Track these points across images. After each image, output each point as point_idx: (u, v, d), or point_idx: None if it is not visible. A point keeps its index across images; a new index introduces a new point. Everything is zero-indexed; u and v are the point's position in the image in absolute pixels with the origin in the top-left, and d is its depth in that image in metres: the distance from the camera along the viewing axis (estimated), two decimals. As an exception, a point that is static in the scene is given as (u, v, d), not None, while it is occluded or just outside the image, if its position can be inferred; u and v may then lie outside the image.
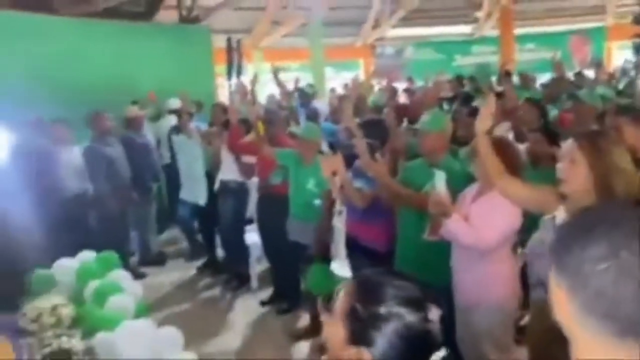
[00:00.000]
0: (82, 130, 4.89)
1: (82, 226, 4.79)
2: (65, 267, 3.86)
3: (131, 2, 8.23)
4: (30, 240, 3.93)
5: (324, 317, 1.07)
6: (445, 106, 5.56)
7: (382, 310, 0.99)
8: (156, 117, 6.35)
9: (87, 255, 4.00)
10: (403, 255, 2.87)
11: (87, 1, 7.37)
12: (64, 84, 5.61)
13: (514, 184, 2.11)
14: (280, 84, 6.31)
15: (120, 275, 3.82)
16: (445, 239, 2.48)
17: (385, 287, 1.01)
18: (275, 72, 5.99)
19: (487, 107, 2.15)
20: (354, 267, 3.31)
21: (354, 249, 3.25)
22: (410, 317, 0.99)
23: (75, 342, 2.71)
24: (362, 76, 12.20)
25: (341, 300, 1.03)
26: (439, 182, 2.36)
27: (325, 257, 3.66)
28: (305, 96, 6.81)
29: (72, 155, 4.78)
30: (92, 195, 4.84)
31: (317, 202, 3.55)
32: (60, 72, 5.70)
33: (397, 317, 0.99)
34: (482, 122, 2.13)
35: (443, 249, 2.56)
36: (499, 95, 4.34)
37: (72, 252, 3.98)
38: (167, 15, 9.26)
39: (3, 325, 2.89)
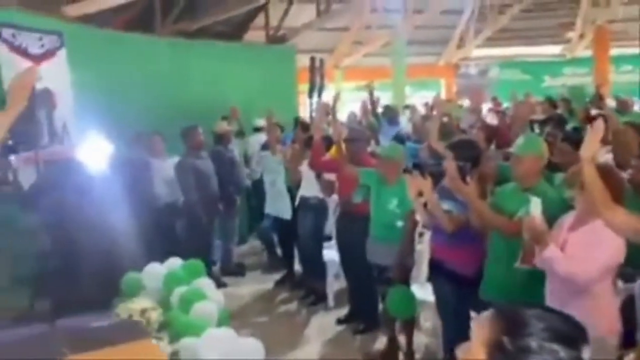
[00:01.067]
0: (175, 143, 5.17)
1: (171, 234, 5.03)
2: (154, 272, 4.04)
3: (222, 23, 8.67)
4: (125, 245, 4.17)
5: (461, 350, 1.04)
6: (536, 129, 5.34)
7: (533, 344, 0.95)
8: (239, 132, 6.58)
9: (175, 262, 4.18)
10: (491, 282, 2.76)
11: (183, 22, 7.85)
12: (160, 99, 5.98)
13: (621, 215, 1.97)
14: (372, 101, 6.33)
15: (205, 283, 3.95)
16: (538, 268, 2.36)
17: (535, 321, 0.97)
18: (370, 89, 6.03)
19: (594, 133, 2.03)
20: (437, 292, 3.23)
21: (437, 272, 3.17)
22: (563, 353, 0.95)
23: (163, 345, 2.83)
24: (443, 95, 12.03)
25: (483, 331, 1.00)
26: (535, 208, 2.26)
27: (406, 280, 3.59)
28: (392, 114, 6.78)
29: (166, 167, 5.06)
30: (182, 205, 5.09)
31: (399, 223, 3.50)
32: (157, 88, 6.09)
33: (549, 353, 0.94)
34: (589, 149, 2.02)
35: (534, 278, 2.43)
36: (595, 119, 4.10)
37: (160, 258, 4.19)
38: (255, 36, 9.65)
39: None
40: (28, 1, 5.28)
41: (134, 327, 1.90)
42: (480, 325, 1.01)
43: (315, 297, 4.84)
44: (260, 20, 9.58)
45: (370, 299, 4.07)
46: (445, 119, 5.01)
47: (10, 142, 2.26)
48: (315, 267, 4.83)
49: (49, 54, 5.03)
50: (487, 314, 1.02)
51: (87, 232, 4.26)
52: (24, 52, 4.62)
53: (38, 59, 4.82)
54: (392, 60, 12.27)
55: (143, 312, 3.31)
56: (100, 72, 5.50)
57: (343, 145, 4.03)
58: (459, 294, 2.99)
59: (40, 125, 3.53)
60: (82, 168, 4.34)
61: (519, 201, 2.53)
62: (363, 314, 4.20)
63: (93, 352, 1.54)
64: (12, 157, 2.39)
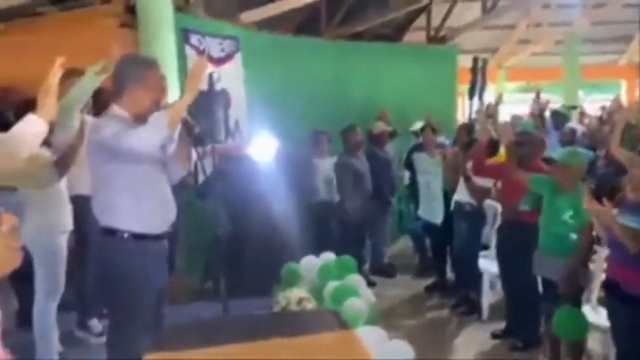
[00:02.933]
0: (336, 142, 5.37)
1: (325, 230, 5.22)
2: (310, 264, 4.23)
3: (384, 25, 8.74)
4: (285, 235, 4.42)
5: None
6: None
7: None
8: (392, 133, 6.56)
9: (328, 256, 4.33)
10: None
11: (347, 25, 8.08)
12: (324, 99, 6.24)
13: None
14: (540, 104, 5.95)
15: (357, 280, 4.02)
16: None
17: None
18: (537, 92, 5.65)
19: None
20: (612, 316, 2.88)
21: (613, 295, 2.82)
22: None
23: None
24: (624, 98, 10.76)
25: None
26: None
27: (576, 299, 3.27)
28: (560, 118, 6.27)
29: (326, 165, 5.28)
30: (337, 203, 5.25)
31: (573, 236, 3.19)
32: (321, 89, 6.35)
33: None
34: None
35: None
36: None
37: (314, 252, 4.36)
38: (415, 36, 9.57)
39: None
40: (211, 9, 5.85)
41: (333, 318, 1.96)
42: None
43: (468, 307, 4.64)
44: (421, 20, 9.47)
45: (532, 315, 3.78)
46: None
47: (198, 133, 2.51)
48: (470, 275, 4.63)
49: (227, 58, 5.52)
50: None
51: (253, 221, 4.61)
52: (207, 56, 5.12)
53: (218, 62, 5.32)
54: (564, 59, 11.30)
55: (300, 301, 3.47)
56: (269, 73, 5.89)
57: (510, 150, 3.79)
58: (637, 321, 2.64)
59: (218, 123, 3.88)
60: (251, 163, 4.70)
61: None
62: (522, 330, 3.92)
63: (293, 338, 1.61)
64: (199, 149, 2.65)
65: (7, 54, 4.42)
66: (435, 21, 9.28)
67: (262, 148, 4.57)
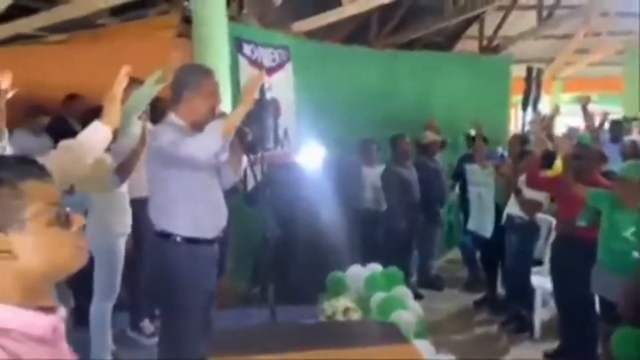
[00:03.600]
0: (384, 151, 5.34)
1: (371, 239, 5.18)
2: (357, 274, 4.19)
3: (435, 33, 8.66)
4: (331, 244, 4.42)
5: None
6: None
7: None
8: (442, 143, 6.46)
9: (375, 267, 4.28)
10: None
11: (397, 34, 8.06)
12: (372, 108, 6.22)
13: None
14: (588, 116, 5.74)
15: (404, 292, 3.96)
16: None
17: None
18: (585, 103, 5.45)
19: None
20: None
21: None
22: None
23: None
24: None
25: None
26: None
27: (636, 320, 3.10)
28: (618, 130, 6.01)
29: (374, 174, 5.25)
30: (384, 212, 5.20)
31: (635, 254, 3.04)
32: (370, 98, 6.34)
33: None
34: None
35: None
36: None
37: (360, 261, 4.33)
38: (467, 45, 9.43)
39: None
40: (263, 19, 5.96)
41: (392, 330, 1.94)
42: None
43: (519, 324, 4.49)
44: (474, 29, 9.34)
45: (588, 335, 3.61)
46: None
47: (250, 140, 2.55)
48: (521, 291, 4.48)
49: (278, 67, 5.60)
50: None
51: (299, 228, 4.63)
52: (259, 65, 5.21)
53: (270, 71, 5.39)
54: (624, 69, 10.84)
55: (346, 311, 3.45)
56: (319, 82, 5.93)
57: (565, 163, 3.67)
58: None
59: (268, 131, 3.92)
60: (299, 170, 4.73)
61: None
62: (577, 351, 3.75)
63: (352, 349, 1.59)
64: (250, 156, 2.70)
65: (69, 63, 4.64)
66: (488, 30, 9.12)
67: (310, 156, 4.60)
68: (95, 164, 1.83)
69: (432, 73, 7.13)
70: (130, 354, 3.49)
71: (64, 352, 0.91)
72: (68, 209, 0.91)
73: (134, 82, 3.52)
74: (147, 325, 3.81)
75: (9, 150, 3.94)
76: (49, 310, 0.89)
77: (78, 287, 3.49)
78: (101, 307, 3.18)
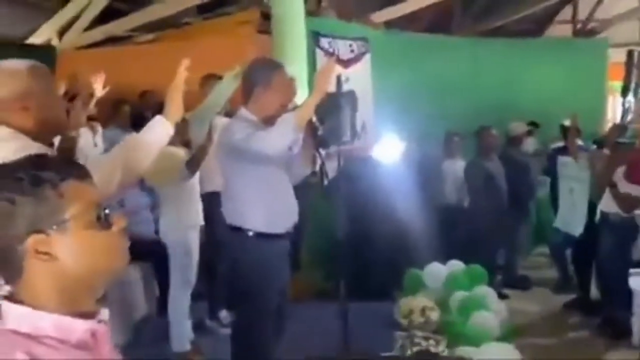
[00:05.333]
0: (470, 143, 5.12)
1: (453, 235, 4.98)
2: (436, 272, 4.05)
3: (524, 19, 8.18)
4: (409, 239, 4.30)
5: None
6: None
7: None
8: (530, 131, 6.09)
9: (456, 265, 4.11)
10: None
11: (481, 21, 7.70)
12: (457, 99, 5.99)
13: None
14: None
15: (486, 292, 3.77)
16: None
17: None
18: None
19: None
20: None
21: None
22: None
23: (441, 349, 2.78)
24: None
25: None
26: None
27: None
28: None
29: (457, 167, 5.07)
30: (467, 207, 5.00)
31: None
32: (454, 88, 6.10)
33: None
34: None
35: None
36: None
37: (440, 259, 4.17)
38: (559, 30, 8.84)
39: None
40: (342, 11, 5.91)
41: None
42: None
43: (615, 329, 4.14)
44: (566, 13, 8.72)
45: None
46: None
47: (321, 135, 2.51)
48: (618, 294, 4.12)
49: (356, 59, 5.51)
50: None
51: (376, 224, 4.54)
52: (336, 58, 5.16)
53: (347, 63, 5.33)
54: None
55: (423, 310, 3.33)
56: (398, 73, 5.78)
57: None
58: None
59: (345, 124, 3.86)
60: (377, 164, 4.64)
61: None
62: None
63: None
64: (323, 151, 2.65)
65: (157, 61, 4.85)
66: (583, 13, 8.49)
67: (389, 149, 4.49)
68: (167, 156, 1.86)
69: (521, 61, 6.72)
70: (208, 342, 3.58)
71: (105, 356, 0.90)
72: (107, 210, 0.90)
73: (214, 77, 3.62)
74: (224, 315, 3.90)
75: (100, 146, 4.21)
76: (87, 315, 0.89)
77: (163, 277, 3.65)
78: (178, 297, 3.28)
